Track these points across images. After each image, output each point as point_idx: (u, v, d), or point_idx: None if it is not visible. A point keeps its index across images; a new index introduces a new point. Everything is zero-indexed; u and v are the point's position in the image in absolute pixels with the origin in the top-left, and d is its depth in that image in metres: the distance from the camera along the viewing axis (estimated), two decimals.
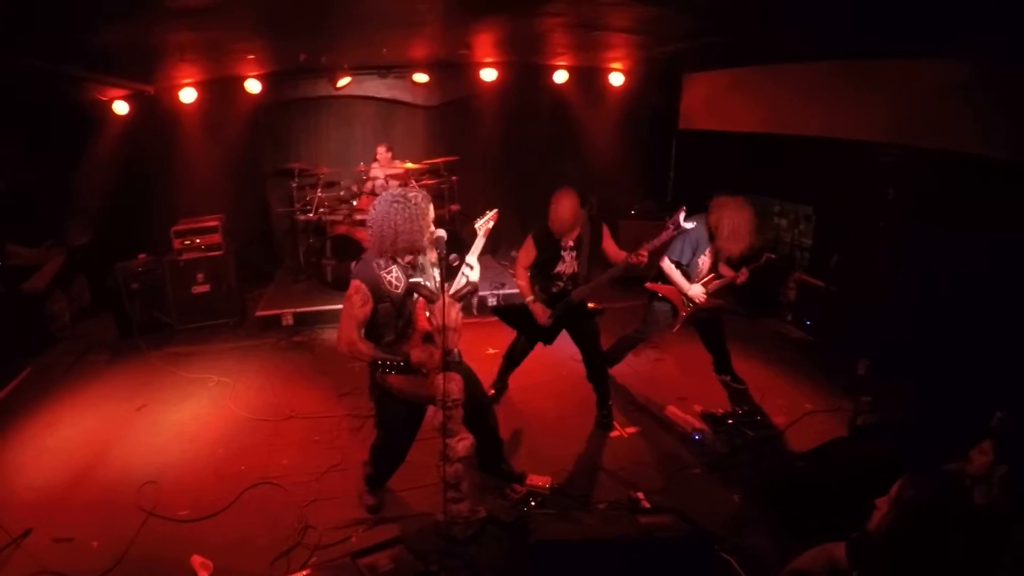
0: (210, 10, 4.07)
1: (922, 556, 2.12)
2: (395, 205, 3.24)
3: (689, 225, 4.20)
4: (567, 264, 4.56)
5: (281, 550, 3.58)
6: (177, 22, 4.39)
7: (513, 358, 5.09)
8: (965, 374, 4.55)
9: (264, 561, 3.50)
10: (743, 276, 4.86)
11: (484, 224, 3.56)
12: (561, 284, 4.59)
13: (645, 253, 4.20)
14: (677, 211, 4.18)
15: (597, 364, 4.82)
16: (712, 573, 3.25)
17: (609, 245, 4.63)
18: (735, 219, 4.55)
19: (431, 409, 3.45)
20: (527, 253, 4.57)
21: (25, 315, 6.35)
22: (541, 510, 3.84)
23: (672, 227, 4.20)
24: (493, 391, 5.05)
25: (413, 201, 3.25)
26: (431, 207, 3.37)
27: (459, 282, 3.51)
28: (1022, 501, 2.44)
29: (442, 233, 3.27)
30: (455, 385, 3.34)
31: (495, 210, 3.66)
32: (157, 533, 3.77)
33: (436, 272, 3.44)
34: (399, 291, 3.32)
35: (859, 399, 4.76)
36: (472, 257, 3.55)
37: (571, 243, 4.52)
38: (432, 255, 3.51)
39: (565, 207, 4.37)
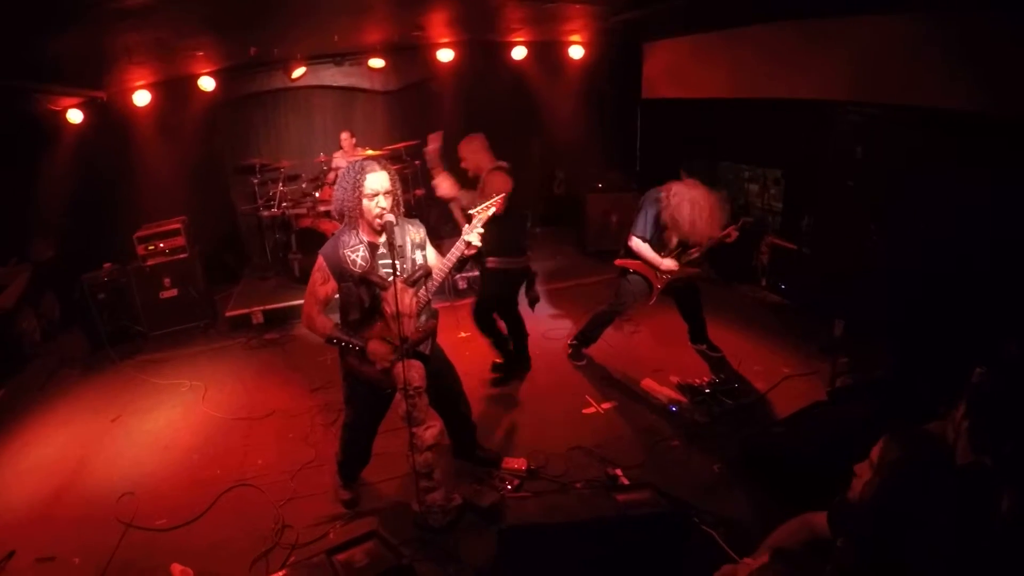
0: (150, 8, 3.97)
1: (910, 519, 2.07)
2: (343, 172, 3.25)
3: None
4: None
5: (260, 552, 3.55)
6: (119, 24, 4.27)
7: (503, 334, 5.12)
8: (941, 332, 4.54)
9: (243, 564, 3.47)
10: (733, 235, 4.85)
11: (484, 210, 3.25)
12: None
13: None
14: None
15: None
16: (690, 548, 3.23)
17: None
18: (691, 209, 4.52)
19: (399, 397, 3.37)
20: None
21: None
22: (518, 493, 3.82)
23: None
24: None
25: (354, 168, 3.20)
26: (382, 176, 3.20)
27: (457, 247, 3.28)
28: (1008, 460, 2.41)
29: (391, 218, 3.13)
30: (416, 372, 3.28)
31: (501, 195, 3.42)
32: (137, 544, 3.74)
33: (416, 254, 3.36)
34: (360, 272, 3.24)
35: (836, 361, 4.74)
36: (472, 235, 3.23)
37: None
38: (417, 234, 3.42)
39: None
